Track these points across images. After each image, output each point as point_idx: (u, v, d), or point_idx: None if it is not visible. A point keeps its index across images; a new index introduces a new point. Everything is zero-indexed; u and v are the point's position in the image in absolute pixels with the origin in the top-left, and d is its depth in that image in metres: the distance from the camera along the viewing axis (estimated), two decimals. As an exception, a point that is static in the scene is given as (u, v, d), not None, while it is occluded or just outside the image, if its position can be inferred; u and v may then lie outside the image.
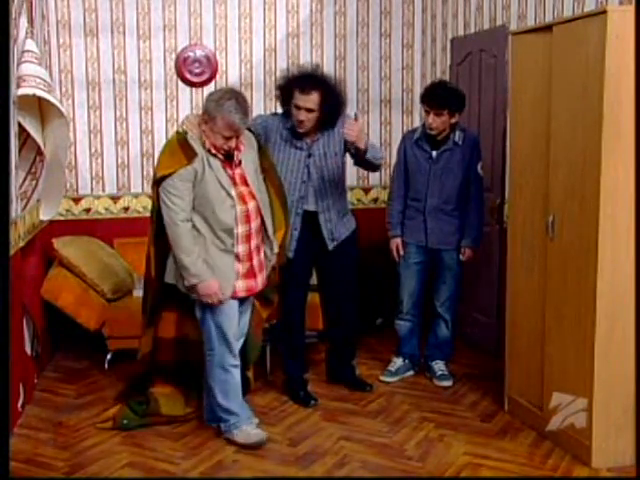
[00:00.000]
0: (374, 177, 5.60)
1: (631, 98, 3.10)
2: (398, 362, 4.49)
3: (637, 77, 3.06)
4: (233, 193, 3.50)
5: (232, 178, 3.52)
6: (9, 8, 3.24)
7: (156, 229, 3.63)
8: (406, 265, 4.39)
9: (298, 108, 3.88)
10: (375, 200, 5.74)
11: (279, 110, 4.18)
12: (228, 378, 3.60)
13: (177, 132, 3.59)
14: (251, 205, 3.55)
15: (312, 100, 3.85)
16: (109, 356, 4.72)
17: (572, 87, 3.31)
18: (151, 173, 5.39)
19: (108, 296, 4.78)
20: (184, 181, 3.43)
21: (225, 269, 3.50)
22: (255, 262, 3.59)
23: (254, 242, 3.58)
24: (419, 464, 3.40)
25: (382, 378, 4.43)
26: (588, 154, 3.21)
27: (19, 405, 3.85)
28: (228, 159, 3.53)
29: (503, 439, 3.64)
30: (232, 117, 3.38)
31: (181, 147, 3.47)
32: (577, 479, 3.27)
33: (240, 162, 3.57)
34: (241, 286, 3.56)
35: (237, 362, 3.63)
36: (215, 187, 3.46)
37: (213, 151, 3.48)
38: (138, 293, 4.93)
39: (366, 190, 5.72)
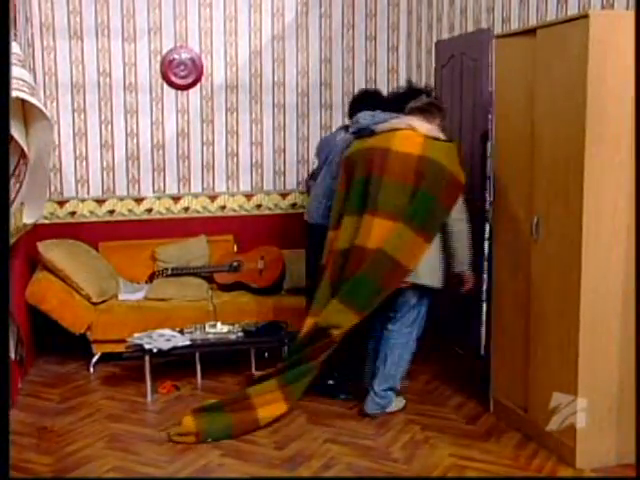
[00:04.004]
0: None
1: (616, 100, 3.13)
2: None
3: (637, 78, 3.08)
4: None
5: None
6: (9, 8, 3.22)
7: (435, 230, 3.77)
8: None
9: None
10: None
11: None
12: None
13: (446, 140, 3.86)
14: None
15: None
16: (94, 360, 4.70)
17: (556, 90, 3.33)
18: (136, 176, 5.42)
19: (93, 299, 4.76)
20: None
21: None
22: None
23: None
24: (405, 466, 3.41)
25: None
26: (572, 156, 3.23)
27: (3, 410, 3.82)
28: None
29: (488, 441, 3.65)
30: None
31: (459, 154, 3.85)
32: (579, 479, 3.28)
33: None
34: None
35: None
36: None
37: None
38: (123, 296, 4.94)
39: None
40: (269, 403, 3.79)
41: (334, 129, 4.62)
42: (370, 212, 3.73)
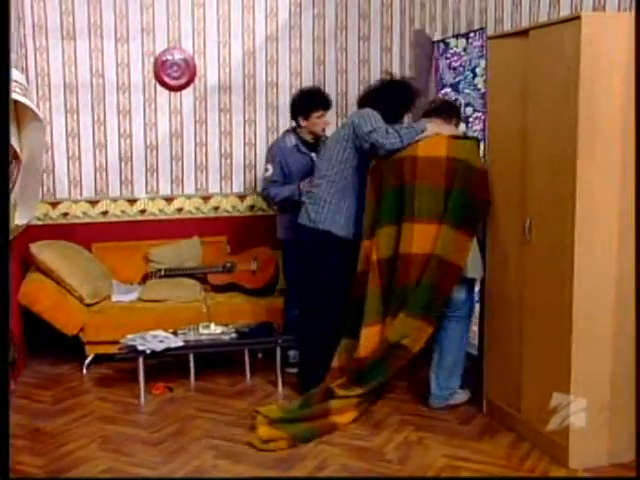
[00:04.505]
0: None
1: (608, 101, 3.15)
2: None
3: (637, 78, 3.09)
4: None
5: None
6: (9, 8, 3.21)
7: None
8: None
9: None
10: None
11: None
12: None
13: (474, 137, 4.16)
14: None
15: None
16: (87, 361, 4.69)
17: (548, 91, 3.34)
18: (129, 177, 5.41)
19: (86, 301, 4.76)
20: None
21: None
22: None
23: None
24: (398, 467, 3.41)
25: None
26: (564, 157, 3.24)
27: (-5, 412, 3.81)
28: None
29: (482, 441, 3.66)
30: None
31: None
32: (578, 479, 3.29)
33: None
34: None
35: None
36: None
37: None
38: (116, 298, 4.93)
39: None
40: (343, 412, 3.83)
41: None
42: (409, 219, 3.84)
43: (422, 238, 3.79)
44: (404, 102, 4.21)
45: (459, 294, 3.98)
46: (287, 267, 4.70)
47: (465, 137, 4.07)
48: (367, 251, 4.02)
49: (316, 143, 4.55)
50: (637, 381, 3.17)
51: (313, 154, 4.53)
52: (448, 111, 4.11)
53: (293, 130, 4.66)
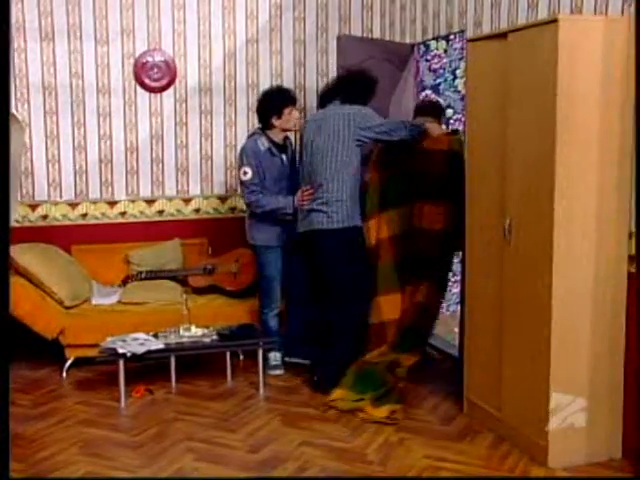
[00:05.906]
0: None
1: (585, 103, 3.19)
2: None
3: (637, 79, 3.11)
4: None
5: None
6: (9, 8, 3.18)
7: None
8: None
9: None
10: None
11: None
12: None
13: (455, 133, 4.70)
14: None
15: None
16: (67, 364, 4.66)
17: (526, 92, 3.37)
18: (109, 179, 5.39)
19: (66, 304, 4.72)
20: None
21: None
22: None
23: None
24: (380, 468, 3.42)
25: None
26: (542, 158, 3.26)
27: (-27, 416, 3.78)
28: None
29: (462, 441, 3.68)
30: None
31: None
32: (576, 479, 3.31)
33: None
34: None
35: None
36: None
37: None
38: (96, 300, 4.90)
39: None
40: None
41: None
42: (419, 200, 4.38)
43: (430, 216, 4.33)
44: (370, 89, 4.37)
45: None
46: (267, 272, 4.68)
47: (455, 133, 4.70)
48: (374, 228, 4.45)
49: (284, 144, 4.58)
50: (637, 381, 3.19)
51: (283, 156, 4.57)
52: (438, 111, 4.67)
53: (262, 132, 4.64)
